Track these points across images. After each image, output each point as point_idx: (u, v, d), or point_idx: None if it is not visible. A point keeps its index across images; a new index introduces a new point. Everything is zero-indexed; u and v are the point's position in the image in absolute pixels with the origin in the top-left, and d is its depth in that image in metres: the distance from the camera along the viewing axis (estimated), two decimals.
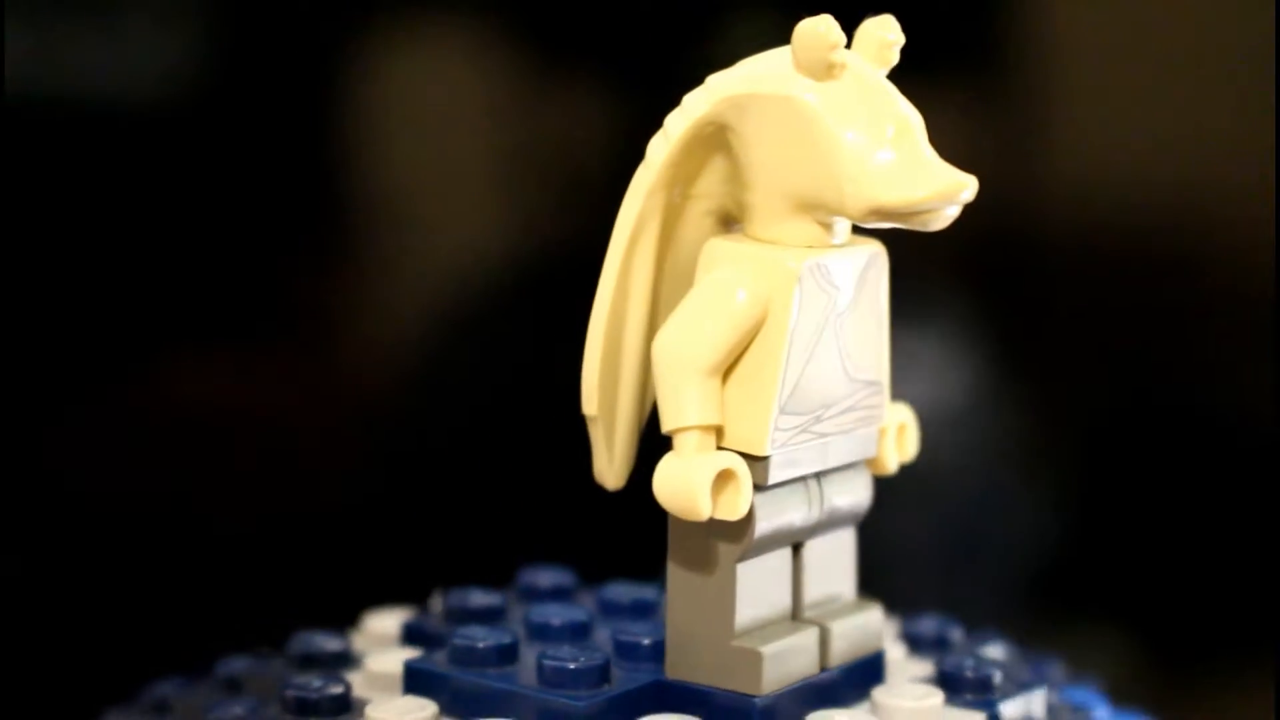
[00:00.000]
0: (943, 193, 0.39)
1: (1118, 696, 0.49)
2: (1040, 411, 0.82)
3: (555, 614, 0.43)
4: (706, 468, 0.38)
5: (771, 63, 0.40)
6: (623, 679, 0.40)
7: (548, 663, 0.40)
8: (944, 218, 0.39)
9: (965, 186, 0.39)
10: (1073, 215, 0.80)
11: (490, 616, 0.45)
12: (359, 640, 0.45)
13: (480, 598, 0.45)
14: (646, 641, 0.41)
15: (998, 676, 0.43)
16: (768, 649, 0.40)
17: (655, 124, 0.44)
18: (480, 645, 0.41)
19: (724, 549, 0.40)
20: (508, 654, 0.41)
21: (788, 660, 0.41)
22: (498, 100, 0.80)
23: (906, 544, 0.77)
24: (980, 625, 0.49)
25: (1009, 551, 0.81)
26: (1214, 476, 0.81)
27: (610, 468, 0.41)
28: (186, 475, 0.79)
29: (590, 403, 0.40)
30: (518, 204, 0.81)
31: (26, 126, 0.75)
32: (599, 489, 0.42)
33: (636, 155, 0.48)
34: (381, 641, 0.45)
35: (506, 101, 0.80)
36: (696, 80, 0.45)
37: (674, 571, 0.40)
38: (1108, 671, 0.54)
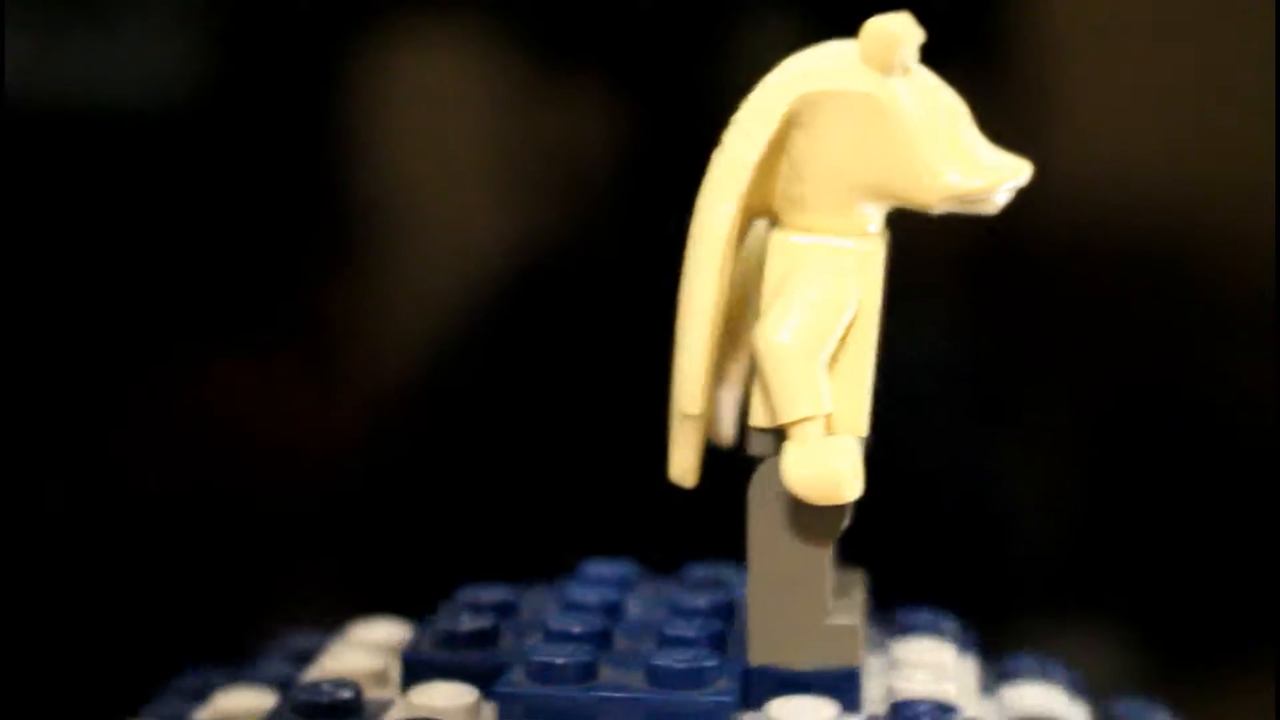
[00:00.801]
0: (1008, 177, 0.42)
1: (1119, 694, 0.49)
2: (1040, 409, 0.82)
3: (577, 620, 0.43)
4: (850, 452, 0.40)
5: (833, 59, 0.41)
6: (716, 671, 0.41)
7: (659, 664, 0.40)
8: (1001, 200, 0.42)
9: (1024, 170, 0.42)
10: (1072, 214, 0.80)
11: (484, 639, 0.44)
12: (367, 685, 0.44)
13: (468, 621, 0.45)
14: (694, 634, 0.42)
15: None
16: (857, 623, 0.42)
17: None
18: (560, 661, 0.41)
19: (819, 531, 0.41)
20: (590, 670, 0.41)
21: (863, 631, 0.43)
22: (500, 102, 0.80)
23: (908, 542, 0.77)
24: (983, 623, 0.50)
25: (1010, 549, 0.81)
26: (1215, 475, 0.81)
27: (694, 466, 0.42)
28: (176, 479, 0.79)
29: (696, 402, 0.41)
30: (520, 205, 0.81)
31: (27, 130, 0.75)
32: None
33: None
34: (385, 680, 0.44)
35: (509, 104, 0.80)
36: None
37: (759, 559, 0.41)
38: (1109, 669, 0.54)
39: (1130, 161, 0.80)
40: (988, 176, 0.42)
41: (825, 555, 0.42)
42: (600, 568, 0.48)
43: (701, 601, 0.45)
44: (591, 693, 0.40)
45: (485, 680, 0.42)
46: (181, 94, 0.78)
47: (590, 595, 0.45)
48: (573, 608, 0.45)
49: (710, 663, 0.40)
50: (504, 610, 0.46)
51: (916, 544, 0.77)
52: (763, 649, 0.42)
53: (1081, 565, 0.82)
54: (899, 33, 0.41)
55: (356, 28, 0.79)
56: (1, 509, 0.76)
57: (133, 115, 0.78)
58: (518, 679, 0.41)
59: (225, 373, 0.79)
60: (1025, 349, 0.82)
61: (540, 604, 0.46)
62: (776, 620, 0.42)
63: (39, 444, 0.77)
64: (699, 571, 0.47)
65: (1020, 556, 0.82)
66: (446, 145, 0.80)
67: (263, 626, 0.78)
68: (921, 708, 0.41)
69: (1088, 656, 0.78)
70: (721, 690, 0.40)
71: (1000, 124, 0.81)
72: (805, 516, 0.41)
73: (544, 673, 0.41)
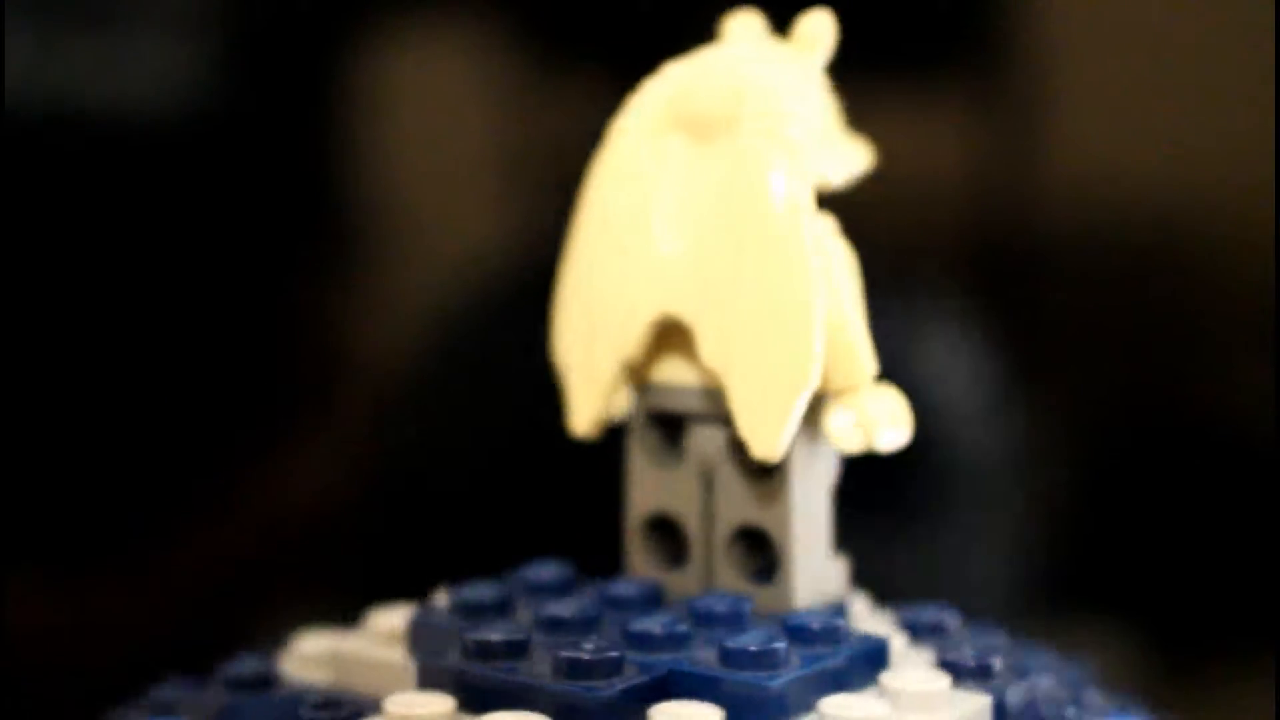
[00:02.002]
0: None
1: (1121, 692, 0.50)
2: (1042, 408, 0.82)
3: (656, 622, 0.44)
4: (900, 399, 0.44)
5: (777, 55, 0.45)
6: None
7: (733, 647, 0.42)
8: None
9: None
10: (1072, 215, 0.80)
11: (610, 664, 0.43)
12: None
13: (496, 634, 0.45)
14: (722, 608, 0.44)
15: (998, 663, 0.44)
16: (844, 559, 0.46)
17: None
18: (752, 647, 0.42)
19: (827, 483, 0.45)
20: (772, 656, 0.42)
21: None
22: (499, 103, 0.80)
23: (911, 538, 0.77)
24: (985, 619, 0.50)
25: (1013, 547, 0.81)
26: (1215, 474, 0.81)
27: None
28: (175, 477, 0.79)
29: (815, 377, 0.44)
30: (519, 206, 0.81)
31: (25, 137, 0.76)
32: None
33: None
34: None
35: (508, 105, 0.80)
36: None
37: (798, 512, 0.44)
38: (1111, 667, 0.54)
39: (1130, 161, 0.81)
40: (865, 159, 0.46)
41: (831, 493, 0.45)
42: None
43: (632, 593, 0.46)
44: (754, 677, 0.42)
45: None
46: (180, 97, 0.78)
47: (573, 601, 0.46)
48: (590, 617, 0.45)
49: (780, 643, 0.42)
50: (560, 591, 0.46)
51: (917, 542, 0.77)
52: (802, 595, 0.44)
53: (1082, 565, 0.82)
54: (831, 30, 0.45)
55: (356, 31, 0.79)
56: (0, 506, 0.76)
57: (133, 122, 0.78)
58: (702, 657, 0.42)
59: (220, 372, 0.79)
60: (1028, 349, 0.82)
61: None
62: (808, 563, 0.45)
63: (38, 443, 0.77)
64: (545, 570, 0.47)
65: (1021, 556, 0.82)
66: (447, 147, 0.80)
67: (260, 627, 0.78)
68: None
69: (1088, 656, 0.78)
70: (793, 668, 0.42)
71: (1001, 125, 0.81)
72: (819, 472, 0.45)
73: (731, 656, 0.42)
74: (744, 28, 0.46)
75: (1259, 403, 0.80)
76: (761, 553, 0.45)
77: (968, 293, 0.81)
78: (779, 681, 0.41)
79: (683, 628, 0.43)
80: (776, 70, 0.44)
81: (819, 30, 0.44)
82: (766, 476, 0.44)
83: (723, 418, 0.44)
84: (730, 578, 0.45)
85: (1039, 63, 0.80)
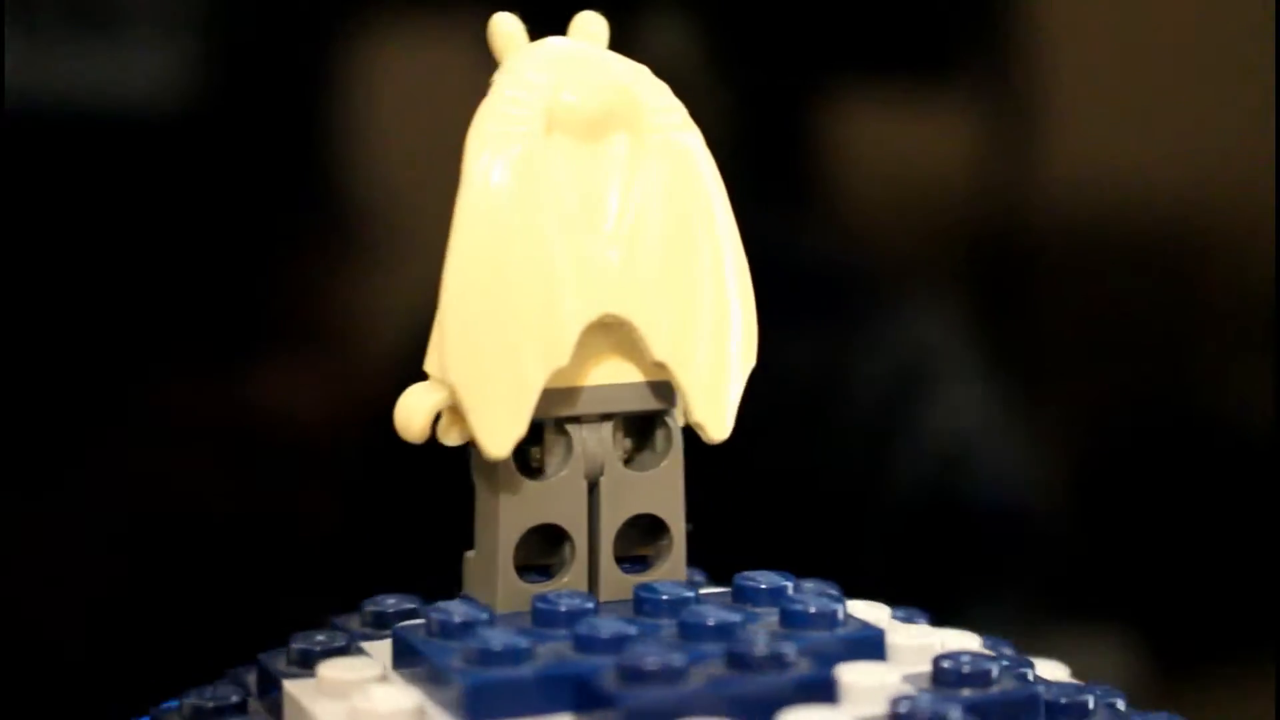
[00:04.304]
0: None
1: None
2: (1041, 412, 0.82)
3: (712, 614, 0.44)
4: None
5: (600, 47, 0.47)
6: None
7: (792, 606, 0.42)
8: None
9: None
10: (1072, 216, 0.80)
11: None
12: None
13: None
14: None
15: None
16: None
17: None
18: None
19: None
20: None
21: None
22: None
23: (912, 543, 0.77)
24: (983, 623, 0.50)
25: (1012, 553, 0.81)
26: (1214, 477, 0.81)
27: None
28: (179, 477, 0.79)
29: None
30: None
31: (24, 135, 0.76)
32: None
33: None
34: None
35: None
36: None
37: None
38: (1110, 672, 0.54)
39: (1130, 162, 0.81)
40: None
41: None
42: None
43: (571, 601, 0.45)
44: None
45: None
46: (183, 97, 0.78)
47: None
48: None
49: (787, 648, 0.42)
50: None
51: (918, 544, 0.77)
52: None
53: (1082, 566, 0.82)
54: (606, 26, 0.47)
55: (354, 28, 0.79)
56: (4, 507, 0.76)
57: (131, 118, 0.78)
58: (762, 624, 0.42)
59: (224, 372, 0.79)
60: (1027, 351, 0.82)
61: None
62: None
63: (38, 444, 0.77)
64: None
65: (1020, 557, 0.82)
66: (446, 144, 0.80)
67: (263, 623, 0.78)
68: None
69: (1088, 656, 0.79)
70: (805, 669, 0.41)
71: (1000, 125, 0.81)
72: None
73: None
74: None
75: (1259, 402, 0.80)
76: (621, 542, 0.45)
77: (967, 292, 0.81)
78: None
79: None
80: (634, 64, 0.46)
81: (599, 27, 0.46)
82: (642, 466, 0.45)
83: (608, 414, 0.44)
84: (615, 573, 0.45)
85: (1039, 63, 0.80)
